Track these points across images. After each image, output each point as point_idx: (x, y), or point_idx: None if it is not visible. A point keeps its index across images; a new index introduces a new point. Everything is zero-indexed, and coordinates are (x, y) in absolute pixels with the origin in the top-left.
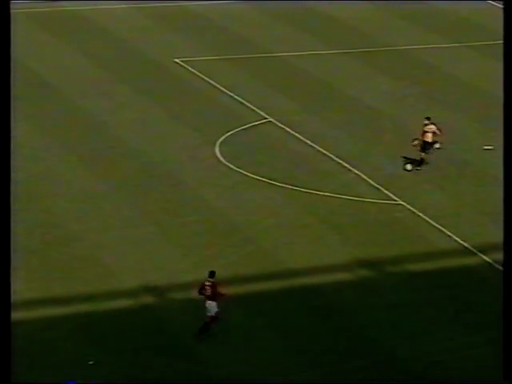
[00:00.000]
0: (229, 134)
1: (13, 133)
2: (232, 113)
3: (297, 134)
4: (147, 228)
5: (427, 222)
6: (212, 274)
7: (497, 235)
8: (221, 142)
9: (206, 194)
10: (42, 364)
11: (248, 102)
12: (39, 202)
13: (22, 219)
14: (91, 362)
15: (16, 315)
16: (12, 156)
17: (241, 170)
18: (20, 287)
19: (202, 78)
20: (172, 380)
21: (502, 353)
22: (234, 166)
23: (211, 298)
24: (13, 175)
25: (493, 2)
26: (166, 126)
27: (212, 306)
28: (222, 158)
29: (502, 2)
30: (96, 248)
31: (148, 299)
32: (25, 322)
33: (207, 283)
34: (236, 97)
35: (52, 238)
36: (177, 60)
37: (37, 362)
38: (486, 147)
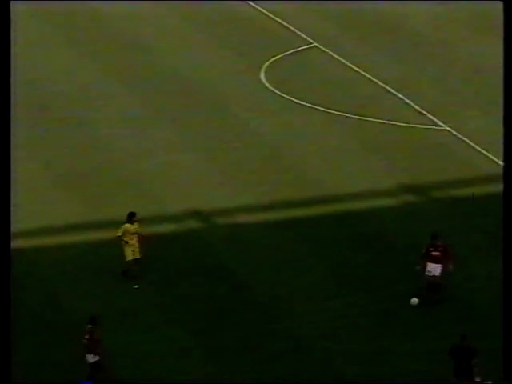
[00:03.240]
0: (274, 59)
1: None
2: (277, 38)
3: (341, 59)
4: (191, 153)
5: (472, 147)
6: None
7: None
8: (266, 67)
9: (250, 120)
10: (87, 289)
11: (293, 26)
12: (83, 127)
13: (68, 145)
14: (136, 286)
15: (60, 239)
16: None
17: (285, 96)
18: (65, 210)
19: (247, 3)
20: (215, 304)
21: (502, 353)
22: (279, 91)
23: None
24: (55, 99)
25: None
26: (211, 52)
27: None
28: (266, 83)
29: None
30: (141, 173)
31: (192, 224)
32: (70, 246)
33: None
34: (281, 21)
35: (97, 163)
36: None
37: (83, 285)
38: None
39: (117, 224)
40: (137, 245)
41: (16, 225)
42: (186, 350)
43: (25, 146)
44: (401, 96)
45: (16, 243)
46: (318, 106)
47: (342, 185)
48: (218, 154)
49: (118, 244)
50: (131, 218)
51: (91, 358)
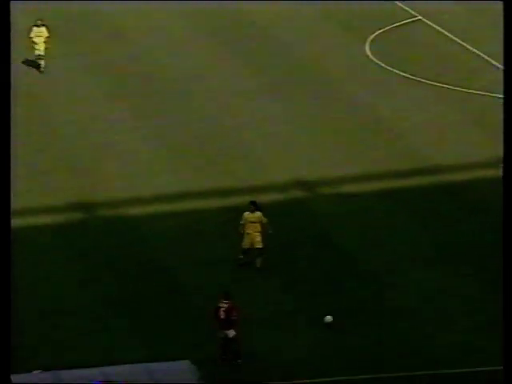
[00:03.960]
0: (379, 32)
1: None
2: (382, 11)
3: (446, 33)
4: (298, 123)
5: None
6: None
7: None
8: (371, 40)
9: (356, 91)
10: (200, 256)
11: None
12: (193, 100)
13: (176, 115)
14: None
15: (171, 207)
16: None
17: (390, 68)
18: (176, 179)
19: None
20: (319, 271)
21: (503, 353)
22: (384, 63)
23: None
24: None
25: None
26: (318, 24)
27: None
28: (371, 56)
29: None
30: (249, 143)
31: (298, 193)
32: (179, 214)
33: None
34: None
35: (205, 132)
36: None
37: (196, 252)
38: None
39: (224, 192)
40: (256, 234)
41: (130, 193)
42: (290, 313)
43: (137, 117)
44: None
45: (136, 210)
46: (423, 78)
47: (446, 156)
48: (324, 123)
49: (225, 212)
50: (252, 206)
51: (231, 333)
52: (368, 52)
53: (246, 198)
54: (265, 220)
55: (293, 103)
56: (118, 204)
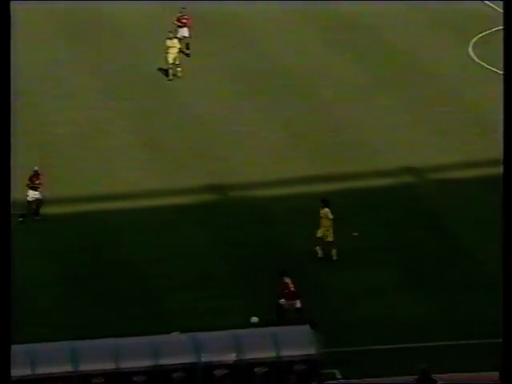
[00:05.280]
0: (482, 34)
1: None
2: (484, 16)
3: None
4: (406, 116)
5: None
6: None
7: None
8: (474, 43)
9: (459, 89)
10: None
11: (499, 7)
12: (309, 94)
13: (299, 108)
14: (355, 234)
15: (295, 190)
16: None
17: (493, 68)
18: (298, 166)
19: None
20: (424, 251)
21: (503, 353)
22: (487, 64)
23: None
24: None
25: None
26: (428, 30)
27: None
28: (474, 57)
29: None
30: (363, 132)
31: (406, 178)
32: (301, 196)
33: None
34: (487, 1)
35: (322, 124)
36: None
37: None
38: None
39: (340, 178)
40: (323, 229)
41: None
42: (398, 286)
43: (265, 110)
44: None
45: (263, 192)
46: None
47: None
48: (429, 118)
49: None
50: (321, 203)
51: (298, 304)
52: (471, 53)
53: (362, 182)
54: (330, 216)
55: (405, 98)
56: (247, 186)
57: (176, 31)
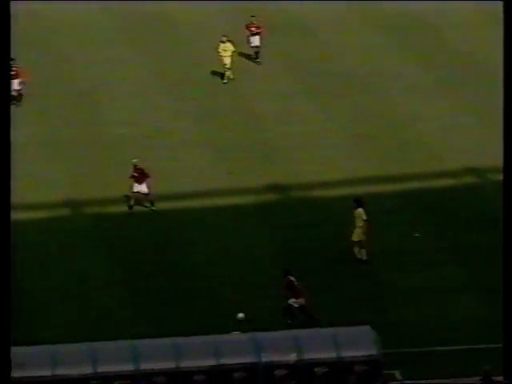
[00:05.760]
0: None
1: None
2: None
3: None
4: (470, 117)
5: None
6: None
7: None
8: None
9: None
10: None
11: None
12: (372, 94)
13: (357, 109)
14: (417, 235)
15: (359, 190)
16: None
17: None
18: (360, 165)
19: None
20: (487, 251)
21: (503, 352)
22: None
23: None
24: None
25: None
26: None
27: None
28: None
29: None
30: (425, 134)
31: (468, 179)
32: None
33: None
34: None
35: (384, 124)
36: None
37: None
38: None
39: (402, 179)
40: (357, 229)
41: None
42: (461, 287)
43: (321, 111)
44: None
45: (323, 192)
46: None
47: None
48: (494, 120)
49: (394, 198)
50: (354, 203)
51: (303, 301)
52: None
53: (422, 184)
54: (364, 217)
55: (467, 99)
56: (308, 186)
57: (248, 40)
